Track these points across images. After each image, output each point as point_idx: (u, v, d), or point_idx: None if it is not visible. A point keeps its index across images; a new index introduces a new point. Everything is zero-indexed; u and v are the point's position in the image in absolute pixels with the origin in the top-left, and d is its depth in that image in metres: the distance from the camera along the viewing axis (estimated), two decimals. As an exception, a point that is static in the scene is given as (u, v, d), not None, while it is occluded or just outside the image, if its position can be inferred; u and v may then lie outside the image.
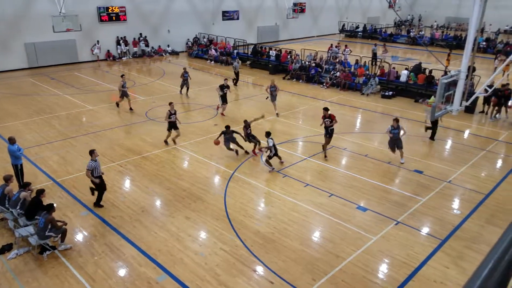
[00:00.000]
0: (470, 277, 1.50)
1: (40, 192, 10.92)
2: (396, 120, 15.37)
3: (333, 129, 15.90)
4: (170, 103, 16.98)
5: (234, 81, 27.77)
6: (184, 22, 39.83)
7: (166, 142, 17.17)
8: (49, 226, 9.99)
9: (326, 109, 15.99)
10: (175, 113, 16.64)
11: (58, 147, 16.84)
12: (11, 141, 12.75)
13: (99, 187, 12.27)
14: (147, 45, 37.46)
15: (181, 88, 25.12)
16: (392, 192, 13.59)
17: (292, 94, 25.75)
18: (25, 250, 10.31)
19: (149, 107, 22.31)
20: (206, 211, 12.21)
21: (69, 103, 22.82)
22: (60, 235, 10.30)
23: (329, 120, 15.69)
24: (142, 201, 12.72)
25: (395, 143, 15.41)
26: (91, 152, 11.98)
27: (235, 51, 36.71)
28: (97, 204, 12.38)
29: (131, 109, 21.63)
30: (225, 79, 21.94)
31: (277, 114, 21.17)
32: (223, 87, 20.78)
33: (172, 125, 16.75)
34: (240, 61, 30.73)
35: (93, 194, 12.52)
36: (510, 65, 25.06)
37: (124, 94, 21.21)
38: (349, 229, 11.38)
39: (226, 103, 21.18)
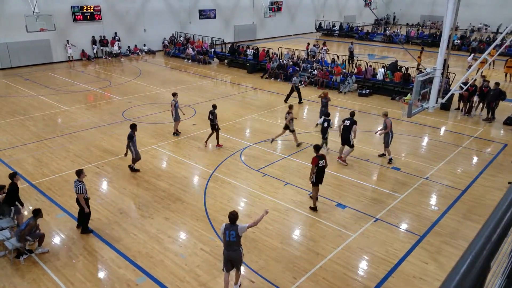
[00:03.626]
0: (448, 272, 1.50)
1: (13, 175, 10.80)
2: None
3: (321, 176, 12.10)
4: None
5: (298, 99, 23.49)
6: (160, 21, 39.49)
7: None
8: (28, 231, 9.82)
9: (316, 148, 12.15)
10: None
11: (33, 149, 16.51)
12: None
13: (88, 214, 10.96)
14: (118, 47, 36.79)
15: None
16: (371, 189, 13.72)
17: (270, 93, 25.79)
18: (1, 255, 10.09)
19: (126, 107, 22.05)
20: (185, 211, 12.12)
21: (44, 104, 22.40)
22: (37, 239, 10.12)
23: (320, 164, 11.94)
24: (120, 203, 12.56)
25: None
26: (79, 172, 10.80)
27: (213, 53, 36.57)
28: (86, 230, 11.06)
29: (175, 133, 18.30)
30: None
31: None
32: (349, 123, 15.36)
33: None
34: (299, 76, 24.89)
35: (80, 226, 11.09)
36: (484, 62, 25.51)
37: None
38: (329, 226, 11.44)
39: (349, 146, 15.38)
